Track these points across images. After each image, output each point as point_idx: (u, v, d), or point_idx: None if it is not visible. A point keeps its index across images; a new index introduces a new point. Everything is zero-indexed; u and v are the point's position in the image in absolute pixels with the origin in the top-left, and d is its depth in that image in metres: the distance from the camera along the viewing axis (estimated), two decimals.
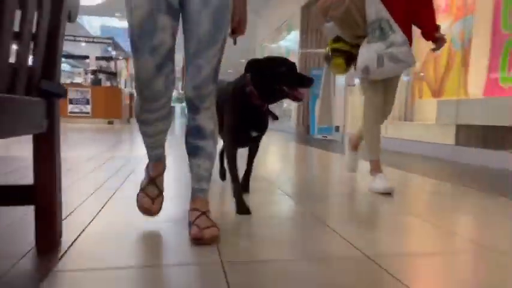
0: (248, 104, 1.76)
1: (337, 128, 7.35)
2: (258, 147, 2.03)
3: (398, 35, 2.20)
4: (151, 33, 1.22)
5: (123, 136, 6.56)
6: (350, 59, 2.43)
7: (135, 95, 1.39)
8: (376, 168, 2.42)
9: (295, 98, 1.69)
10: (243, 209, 1.73)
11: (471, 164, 3.98)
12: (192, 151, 1.40)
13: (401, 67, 2.25)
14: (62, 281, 0.98)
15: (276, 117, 1.88)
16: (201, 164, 1.40)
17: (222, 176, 2.51)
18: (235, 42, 1.59)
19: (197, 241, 1.27)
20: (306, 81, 1.67)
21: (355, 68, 2.40)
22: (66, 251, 1.18)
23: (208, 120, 1.40)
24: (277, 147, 5.19)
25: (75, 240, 1.29)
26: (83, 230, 1.41)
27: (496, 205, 2.05)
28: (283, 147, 5.30)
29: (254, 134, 1.85)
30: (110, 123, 11.43)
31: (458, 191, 2.45)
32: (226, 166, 1.87)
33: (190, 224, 1.34)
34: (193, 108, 1.37)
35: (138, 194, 1.51)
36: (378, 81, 2.37)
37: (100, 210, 1.70)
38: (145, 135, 1.45)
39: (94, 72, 11.90)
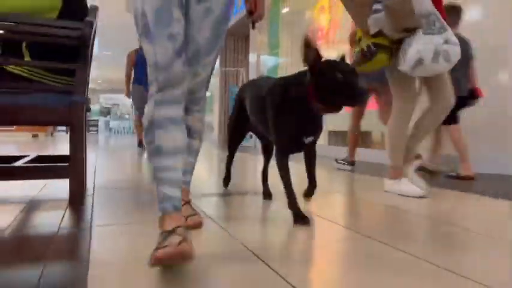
0: (305, 108, 1.54)
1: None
2: (314, 150, 1.76)
3: (451, 33, 2.05)
4: (169, 22, 1.16)
5: (48, 148, 6.74)
6: (390, 54, 2.25)
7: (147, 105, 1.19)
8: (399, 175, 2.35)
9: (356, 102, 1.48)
10: (301, 219, 1.57)
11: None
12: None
13: (446, 68, 2.07)
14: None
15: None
16: (185, 158, 1.45)
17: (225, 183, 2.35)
18: (253, 27, 1.52)
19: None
20: (357, 99, 1.42)
21: (396, 64, 2.21)
22: None
23: (198, 121, 1.48)
24: (204, 156, 5.21)
25: None
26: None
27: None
28: (210, 155, 5.52)
29: (309, 139, 1.63)
30: (35, 136, 11.39)
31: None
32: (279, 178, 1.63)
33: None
34: (186, 109, 1.43)
35: (150, 258, 0.99)
36: (412, 82, 2.29)
37: None
38: (159, 153, 1.14)
39: None
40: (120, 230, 1.43)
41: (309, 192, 1.77)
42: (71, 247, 1.22)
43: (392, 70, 2.33)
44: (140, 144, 6.01)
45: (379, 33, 2.22)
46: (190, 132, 1.45)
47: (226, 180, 2.32)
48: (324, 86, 1.45)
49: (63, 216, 1.59)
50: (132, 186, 2.43)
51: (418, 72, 2.11)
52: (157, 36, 1.14)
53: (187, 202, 1.48)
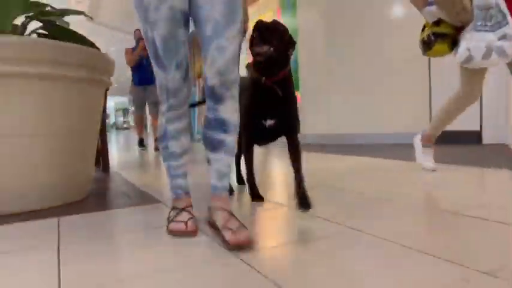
0: (254, 83, 1.60)
1: None
2: (295, 142, 1.64)
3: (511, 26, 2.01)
4: (176, 49, 1.26)
5: None
6: (453, 43, 2.20)
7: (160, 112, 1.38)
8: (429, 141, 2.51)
9: (256, 55, 1.52)
10: (257, 195, 1.76)
11: None
12: (213, 145, 1.33)
13: (502, 61, 2.07)
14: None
15: (278, 93, 1.58)
16: (223, 158, 1.33)
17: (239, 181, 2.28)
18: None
19: (236, 247, 1.12)
20: (256, 33, 1.50)
21: (454, 54, 2.18)
22: None
23: (233, 112, 1.31)
24: None
25: None
26: None
27: None
28: None
29: (269, 122, 1.62)
30: None
31: None
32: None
33: (222, 227, 1.22)
34: (215, 96, 1.28)
35: (167, 226, 1.35)
36: (478, 70, 2.24)
37: None
38: (173, 158, 1.40)
39: None
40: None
41: (301, 199, 1.50)
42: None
43: None
44: (141, 143, 6.20)
45: (441, 21, 2.19)
46: (226, 127, 1.30)
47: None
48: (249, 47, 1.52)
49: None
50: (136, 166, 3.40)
51: (471, 66, 2.12)
52: (167, 65, 1.27)
53: (231, 214, 1.29)
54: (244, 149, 1.74)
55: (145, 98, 5.66)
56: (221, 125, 1.30)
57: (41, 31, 2.01)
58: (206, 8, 1.24)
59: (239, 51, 1.30)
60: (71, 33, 2.03)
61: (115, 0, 10.24)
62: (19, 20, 1.92)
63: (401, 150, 3.64)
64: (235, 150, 1.39)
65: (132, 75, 5.78)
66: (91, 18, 2.34)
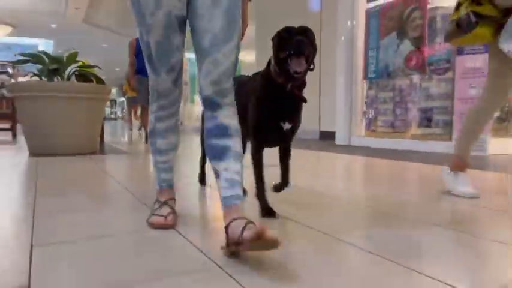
0: (273, 87, 1.51)
1: None
2: (290, 147, 1.70)
3: None
4: (169, 54, 1.32)
5: None
6: (498, 28, 1.79)
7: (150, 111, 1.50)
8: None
9: (294, 72, 1.39)
10: (267, 211, 1.58)
11: None
12: (218, 153, 1.26)
13: None
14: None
15: (304, 99, 1.55)
16: (231, 166, 1.25)
17: (201, 180, 2.30)
18: (242, 36, 1.45)
19: (258, 241, 0.98)
20: (292, 45, 1.38)
21: (501, 43, 1.76)
22: None
23: (233, 116, 1.30)
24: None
25: None
26: None
27: None
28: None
29: (287, 126, 1.56)
30: None
31: None
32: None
33: (242, 230, 1.05)
34: (213, 105, 1.28)
35: (148, 219, 1.46)
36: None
37: None
38: (158, 153, 1.52)
39: None
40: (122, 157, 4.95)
41: (279, 187, 1.71)
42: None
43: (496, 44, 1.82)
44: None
45: (483, 1, 1.81)
46: (228, 131, 1.27)
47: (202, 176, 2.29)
48: (277, 49, 1.44)
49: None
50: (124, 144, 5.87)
51: None
52: (158, 70, 1.35)
53: (250, 221, 1.10)
54: (254, 152, 1.61)
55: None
56: (223, 130, 1.26)
57: (77, 73, 4.44)
58: (205, 18, 1.24)
59: (236, 62, 1.30)
60: (93, 75, 4.46)
61: (109, 7, 12.59)
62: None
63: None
64: (243, 156, 1.34)
65: (137, 65, 5.54)
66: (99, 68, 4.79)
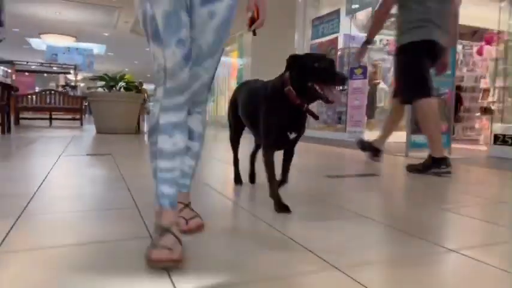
0: (287, 104, 1.71)
1: None
2: (293, 152, 1.95)
3: None
4: (178, 27, 1.21)
5: None
6: None
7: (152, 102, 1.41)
8: None
9: (327, 101, 1.61)
10: (281, 207, 1.77)
11: None
12: None
13: None
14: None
15: (316, 117, 1.83)
16: (186, 161, 1.45)
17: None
18: (255, 33, 1.53)
19: (185, 232, 1.34)
20: (338, 79, 1.58)
21: None
22: None
23: (199, 123, 1.46)
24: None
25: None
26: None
27: None
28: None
29: (293, 135, 1.81)
30: None
31: None
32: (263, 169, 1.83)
33: (178, 216, 1.34)
34: None
35: (146, 252, 1.14)
36: None
37: None
38: (160, 156, 1.24)
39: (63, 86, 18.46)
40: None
41: (279, 184, 1.88)
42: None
43: None
44: None
45: None
46: (191, 135, 1.41)
47: (237, 177, 2.39)
48: (303, 75, 1.61)
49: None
50: None
51: None
52: (167, 41, 1.18)
53: (187, 205, 1.47)
54: (265, 156, 1.81)
55: None
56: (189, 133, 1.37)
57: (124, 85, 7.63)
58: (197, 29, 1.30)
59: (214, 75, 1.41)
60: (134, 87, 7.68)
61: None
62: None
63: None
64: (200, 154, 1.50)
65: None
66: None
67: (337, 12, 7.55)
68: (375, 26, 3.50)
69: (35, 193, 2.01)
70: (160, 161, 1.26)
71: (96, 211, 1.76)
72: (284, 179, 1.96)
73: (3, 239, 1.34)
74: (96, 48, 19.89)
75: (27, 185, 2.22)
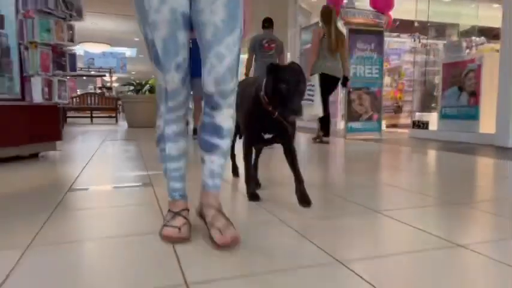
0: (261, 108, 1.80)
1: None
2: (290, 148, 1.92)
3: None
4: (176, 51, 1.34)
5: None
6: None
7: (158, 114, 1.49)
8: None
9: (284, 118, 1.78)
10: (252, 195, 1.99)
11: None
12: (208, 148, 1.45)
13: None
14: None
15: (287, 123, 1.85)
16: (216, 160, 1.46)
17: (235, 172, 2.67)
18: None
19: (223, 245, 1.31)
20: (289, 109, 1.62)
21: None
22: None
23: (229, 118, 1.43)
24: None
25: None
26: None
27: None
28: None
29: (267, 136, 1.91)
30: None
31: None
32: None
33: (209, 224, 1.40)
34: (213, 104, 1.40)
35: (160, 230, 1.44)
36: None
37: None
38: (169, 160, 1.49)
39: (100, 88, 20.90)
40: None
41: (301, 196, 1.81)
42: None
43: None
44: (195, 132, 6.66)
45: None
46: (221, 132, 1.43)
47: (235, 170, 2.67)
48: (272, 87, 1.67)
49: None
50: None
51: None
52: (166, 67, 1.35)
53: (219, 211, 1.44)
54: (244, 150, 2.01)
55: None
56: (216, 130, 1.41)
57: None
58: (206, 12, 1.32)
59: (238, 60, 1.39)
60: (154, 88, 9.72)
61: None
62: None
63: None
64: (229, 151, 1.58)
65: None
66: None
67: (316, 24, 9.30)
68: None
69: (92, 156, 3.99)
70: (170, 163, 1.50)
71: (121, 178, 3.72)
72: (298, 179, 1.86)
73: (74, 181, 3.26)
74: (128, 51, 22.14)
75: (89, 153, 4.19)
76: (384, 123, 9.19)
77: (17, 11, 3.44)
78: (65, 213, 1.81)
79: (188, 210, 1.51)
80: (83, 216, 1.82)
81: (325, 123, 5.27)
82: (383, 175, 3.06)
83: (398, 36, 10.54)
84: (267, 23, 5.60)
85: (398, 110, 9.75)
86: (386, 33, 10.26)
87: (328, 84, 5.04)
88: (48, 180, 2.69)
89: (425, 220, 1.73)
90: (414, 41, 10.15)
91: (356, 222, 1.67)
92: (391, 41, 10.40)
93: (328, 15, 5.12)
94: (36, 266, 1.21)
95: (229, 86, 1.37)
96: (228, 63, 1.35)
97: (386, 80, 9.91)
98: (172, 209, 1.50)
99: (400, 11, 8.12)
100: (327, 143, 5.29)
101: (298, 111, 1.60)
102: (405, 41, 10.28)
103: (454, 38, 7.79)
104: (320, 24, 5.32)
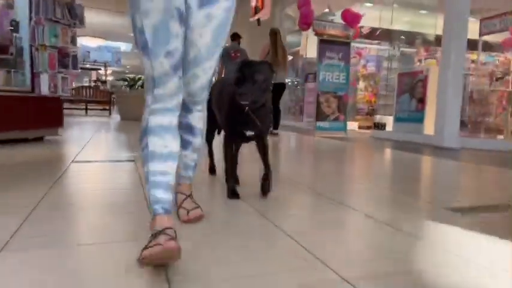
0: (236, 104, 1.80)
1: None
2: (264, 145, 2.07)
3: None
4: (166, 40, 1.26)
5: None
6: None
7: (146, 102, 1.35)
8: None
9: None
10: (232, 193, 2.04)
11: None
12: (183, 143, 1.54)
13: None
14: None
15: (257, 124, 1.92)
16: (189, 155, 1.63)
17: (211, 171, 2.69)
18: (259, 23, 1.61)
19: (186, 222, 1.55)
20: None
21: None
22: None
23: (199, 120, 1.60)
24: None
25: None
26: None
27: None
28: None
29: (249, 133, 1.96)
30: None
31: None
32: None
33: (178, 206, 1.61)
34: (186, 108, 1.52)
35: (138, 257, 1.14)
36: None
37: None
38: (151, 159, 1.27)
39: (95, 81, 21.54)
40: None
41: (264, 185, 2.08)
42: None
43: None
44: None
45: None
46: (193, 131, 1.59)
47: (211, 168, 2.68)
48: (235, 82, 1.77)
49: None
50: None
51: None
52: (155, 53, 1.25)
53: (189, 196, 1.66)
54: (224, 147, 2.05)
55: None
56: (189, 129, 1.58)
57: None
58: (195, 32, 1.37)
59: (212, 75, 1.49)
60: None
61: None
62: None
63: None
64: (202, 148, 1.66)
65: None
66: None
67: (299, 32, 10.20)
68: None
69: (89, 140, 4.75)
70: (152, 163, 1.25)
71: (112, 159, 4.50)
72: (265, 171, 2.08)
73: (76, 155, 4.04)
74: (123, 46, 22.77)
75: (86, 138, 4.95)
76: (357, 124, 10.14)
77: (30, 19, 4.18)
78: (72, 174, 2.61)
79: (175, 230, 1.20)
80: (86, 176, 2.65)
81: (274, 118, 6.02)
82: (322, 164, 3.90)
83: (379, 44, 11.41)
84: (233, 37, 6.62)
85: (372, 112, 10.60)
86: (367, 41, 11.22)
87: (276, 89, 5.86)
88: (55, 155, 3.54)
89: (323, 187, 2.56)
90: (394, 49, 11.01)
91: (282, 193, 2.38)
92: (373, 48, 11.31)
93: (273, 37, 6.27)
94: (49, 214, 1.81)
95: (200, 98, 1.55)
96: (202, 83, 1.49)
97: (362, 85, 10.80)
98: (154, 228, 1.20)
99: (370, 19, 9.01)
100: (276, 135, 6.35)
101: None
102: (385, 49, 11.15)
103: (419, 47, 8.63)
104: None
